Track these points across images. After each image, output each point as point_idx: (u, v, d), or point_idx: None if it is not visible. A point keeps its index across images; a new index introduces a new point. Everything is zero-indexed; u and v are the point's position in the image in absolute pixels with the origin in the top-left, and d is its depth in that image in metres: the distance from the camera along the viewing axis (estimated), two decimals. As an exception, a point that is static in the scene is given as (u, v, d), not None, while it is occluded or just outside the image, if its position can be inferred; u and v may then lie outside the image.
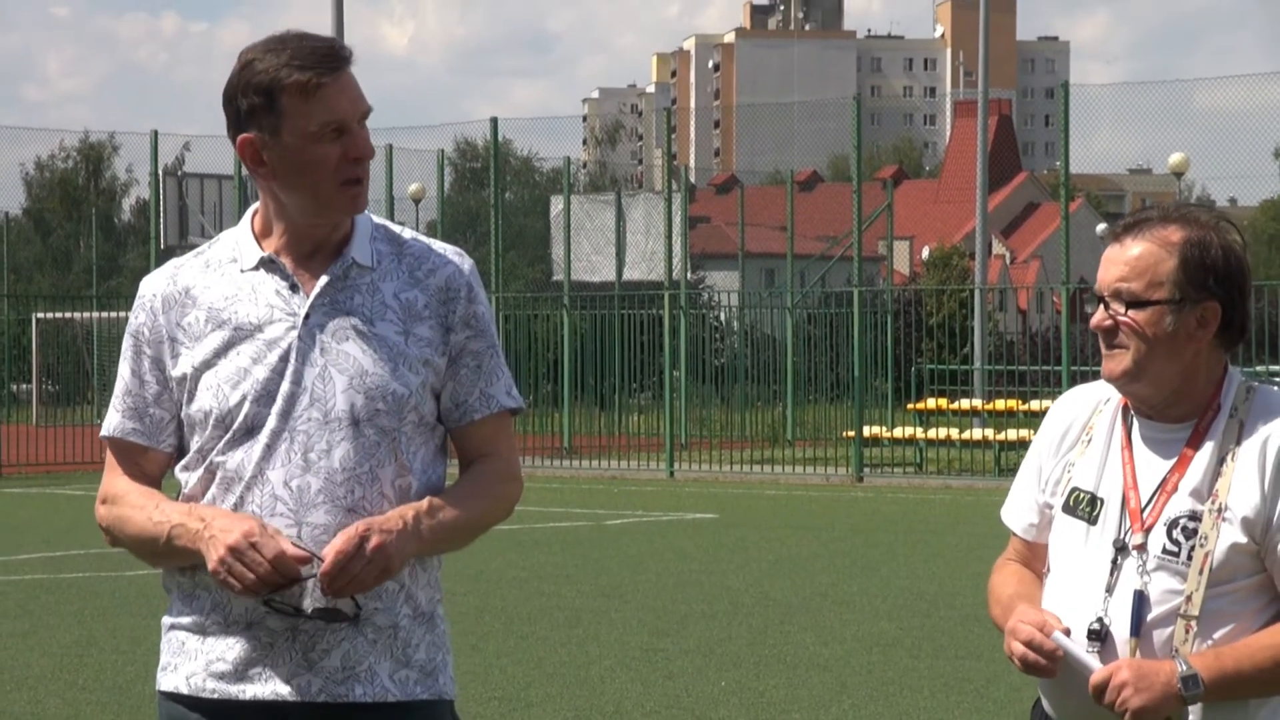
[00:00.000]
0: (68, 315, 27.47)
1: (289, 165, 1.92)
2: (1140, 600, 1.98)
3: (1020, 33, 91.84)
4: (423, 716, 2.06)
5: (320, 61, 1.97)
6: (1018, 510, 2.17)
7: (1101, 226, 30.34)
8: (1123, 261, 2.00)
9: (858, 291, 20.25)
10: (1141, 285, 1.97)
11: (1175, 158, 25.01)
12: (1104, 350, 2.07)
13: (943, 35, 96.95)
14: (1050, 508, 2.10)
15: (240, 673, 2.02)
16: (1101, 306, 2.04)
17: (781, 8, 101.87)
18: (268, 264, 2.01)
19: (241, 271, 2.03)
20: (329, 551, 1.86)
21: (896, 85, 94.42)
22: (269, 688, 2.00)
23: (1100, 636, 1.96)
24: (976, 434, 20.56)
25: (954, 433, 20.82)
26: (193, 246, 2.80)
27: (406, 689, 2.02)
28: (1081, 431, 2.10)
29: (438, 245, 2.22)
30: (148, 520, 2.00)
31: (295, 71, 1.88)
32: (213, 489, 2.00)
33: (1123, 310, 1.99)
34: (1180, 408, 2.02)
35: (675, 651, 8.02)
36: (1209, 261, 2.00)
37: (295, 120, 1.88)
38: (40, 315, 27.13)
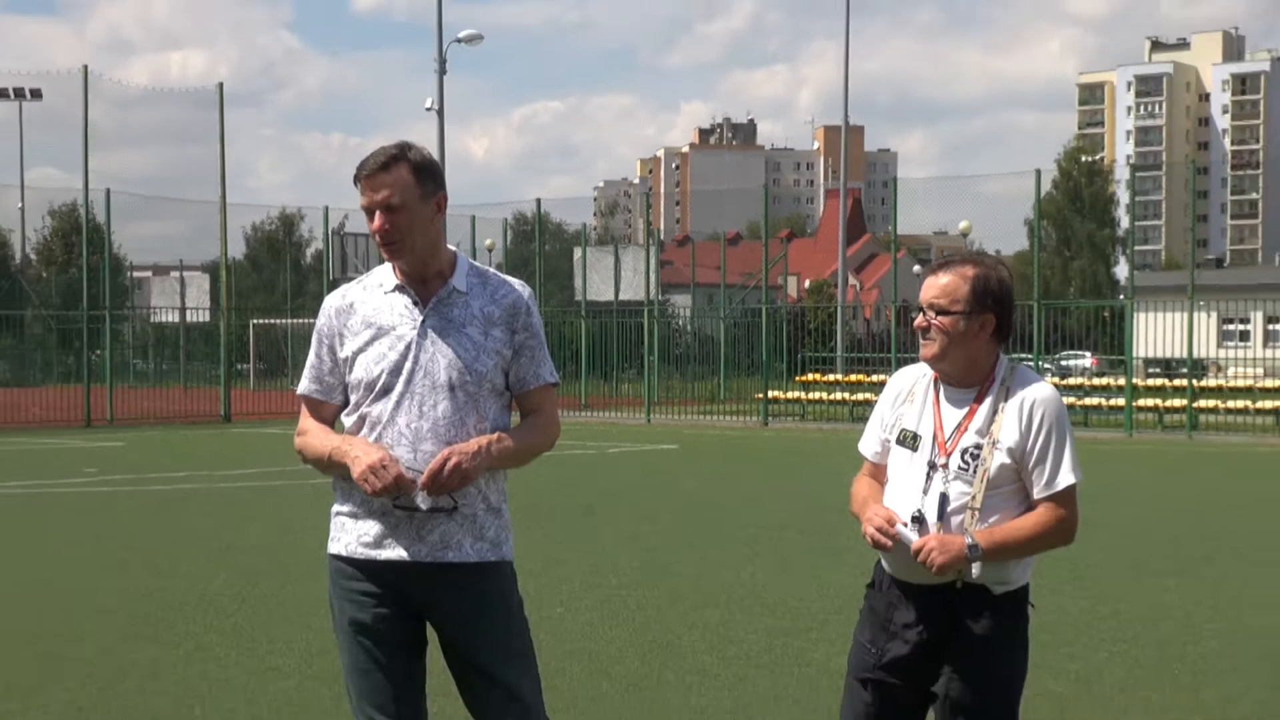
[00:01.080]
0: (272, 321, 41.54)
1: None
2: (943, 499, 2.72)
3: (867, 146, 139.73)
4: (492, 572, 2.78)
5: (362, 167, 2.69)
6: (868, 443, 2.97)
7: (916, 267, 44.73)
8: (936, 286, 2.74)
9: (765, 308, 30.48)
10: (946, 301, 2.70)
11: (963, 225, 34.04)
12: (922, 342, 2.80)
13: (818, 148, 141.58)
14: (888, 441, 2.87)
15: (377, 543, 2.72)
16: (921, 314, 2.76)
17: (717, 131, 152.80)
18: (400, 288, 2.75)
19: (385, 293, 2.78)
20: (428, 469, 2.57)
21: (789, 179, 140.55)
22: (395, 553, 2.71)
23: (919, 521, 2.70)
24: (838, 396, 29.26)
25: (824, 395, 29.64)
26: (350, 278, 3.68)
27: (481, 554, 2.74)
28: (908, 394, 2.88)
29: (509, 278, 2.92)
30: (321, 446, 2.74)
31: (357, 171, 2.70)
32: (363, 429, 2.72)
33: (934, 316, 2.71)
34: (969, 379, 2.77)
35: (651, 530, 11.23)
36: (989, 288, 2.72)
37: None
38: (255, 321, 40.78)
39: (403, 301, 2.77)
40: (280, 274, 49.34)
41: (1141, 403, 25.00)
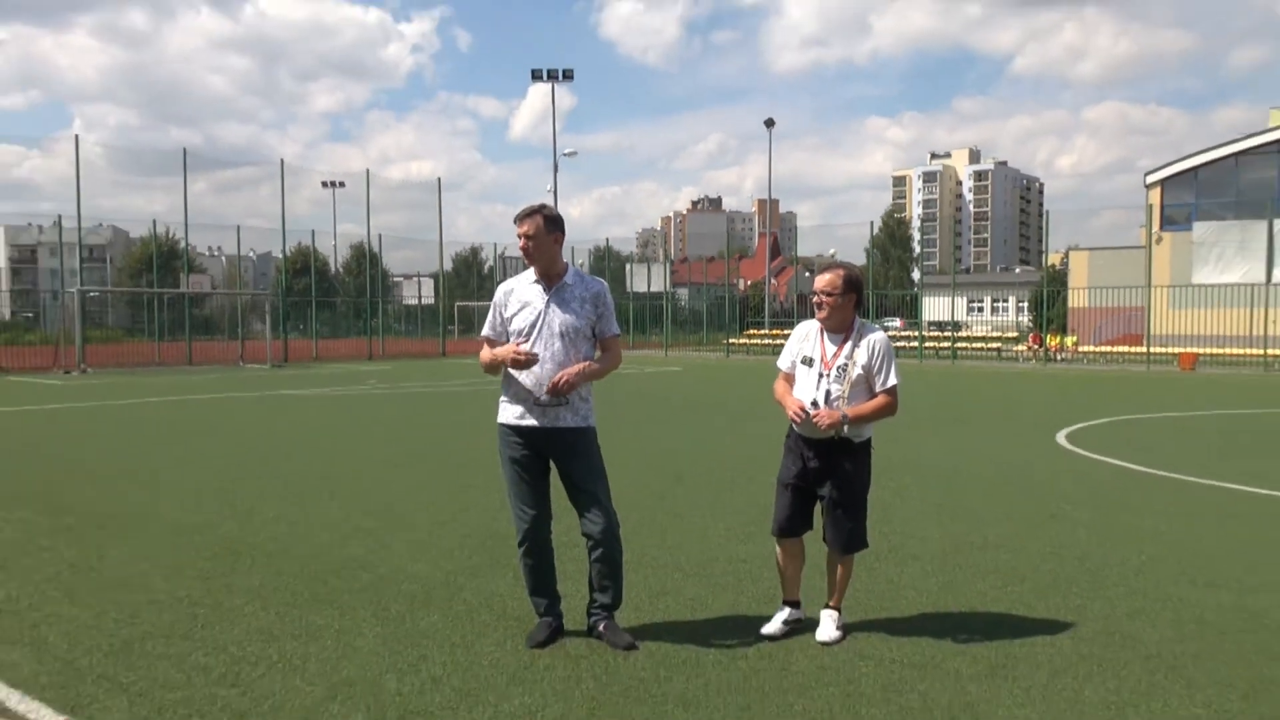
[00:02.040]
0: (467, 303, 61.17)
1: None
2: (828, 393, 5.14)
3: (781, 209, 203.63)
4: (584, 433, 5.18)
5: (519, 215, 5.12)
6: (784, 361, 5.34)
7: (807, 273, 72.90)
8: (824, 280, 5.15)
9: (727, 295, 60.19)
10: (831, 288, 5.12)
11: (832, 251, 67.90)
12: (818, 312, 5.19)
13: (754, 210, 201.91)
14: (795, 362, 5.28)
15: (521, 417, 5.14)
16: (817, 296, 5.16)
17: (701, 202, 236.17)
18: (537, 281, 5.16)
19: (529, 283, 5.18)
20: (550, 380, 4.99)
21: (739, 227, 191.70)
22: (531, 422, 5.12)
23: (815, 405, 5.13)
24: (765, 341, 48.96)
25: (758, 341, 49.83)
26: (508, 278, 5.67)
27: (577, 423, 5.14)
28: (805, 335, 5.29)
29: (595, 277, 5.36)
30: (490, 358, 5.20)
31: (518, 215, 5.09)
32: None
33: (825, 297, 5.13)
34: (841, 329, 5.17)
35: (663, 416, 18.32)
36: (852, 280, 5.16)
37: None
38: (458, 303, 60.40)
39: (538, 289, 5.14)
40: (471, 278, 73.41)
41: (927, 346, 43.39)
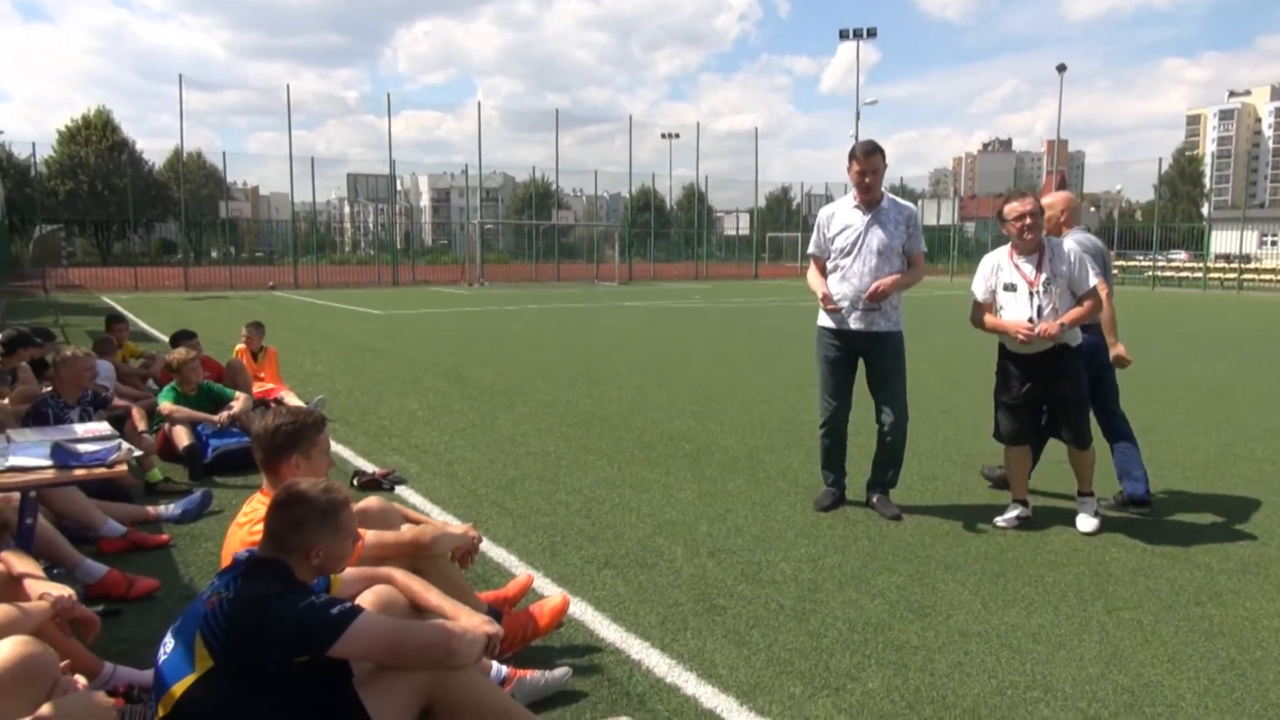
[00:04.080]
0: (779, 234, 57.27)
1: None
2: (1039, 308, 4.71)
3: (1070, 149, 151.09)
4: (894, 336, 5.11)
5: (863, 149, 4.95)
6: (980, 292, 4.89)
7: (1095, 208, 66.04)
8: (1019, 206, 4.74)
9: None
10: (1029, 213, 4.70)
11: (1119, 187, 63.41)
12: (1016, 237, 4.76)
13: (1044, 149, 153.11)
14: (993, 290, 4.85)
15: (840, 322, 5.11)
16: (1014, 223, 4.72)
17: (995, 143, 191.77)
18: (858, 206, 5.04)
19: (851, 208, 5.07)
20: (869, 289, 4.93)
21: (1028, 165, 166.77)
22: (848, 326, 5.09)
23: (1032, 320, 4.67)
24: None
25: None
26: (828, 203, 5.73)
27: (888, 327, 5.10)
28: (995, 266, 4.86)
29: (907, 202, 5.14)
30: (816, 282, 5.20)
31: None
32: (837, 271, 5.09)
33: (1022, 222, 4.67)
34: (1034, 251, 4.74)
35: (942, 330, 17.32)
36: (1039, 208, 4.75)
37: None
38: (770, 234, 56.52)
39: (858, 213, 5.06)
40: (781, 213, 64.98)
41: (1211, 276, 38.13)
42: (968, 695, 3.16)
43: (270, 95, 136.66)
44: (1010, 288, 4.80)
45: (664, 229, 57.93)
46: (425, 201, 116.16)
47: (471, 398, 9.05)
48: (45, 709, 1.56)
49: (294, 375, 9.88)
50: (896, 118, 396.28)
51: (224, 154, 54.29)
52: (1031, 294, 4.73)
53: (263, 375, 8.41)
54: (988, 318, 4.90)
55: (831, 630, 3.66)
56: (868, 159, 4.92)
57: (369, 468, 6.10)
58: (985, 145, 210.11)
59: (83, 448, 3.56)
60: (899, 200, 5.10)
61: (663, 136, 54.27)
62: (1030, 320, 4.69)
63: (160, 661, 2.34)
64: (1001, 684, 3.24)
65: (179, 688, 2.26)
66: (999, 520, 5.04)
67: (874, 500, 5.28)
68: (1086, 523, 4.90)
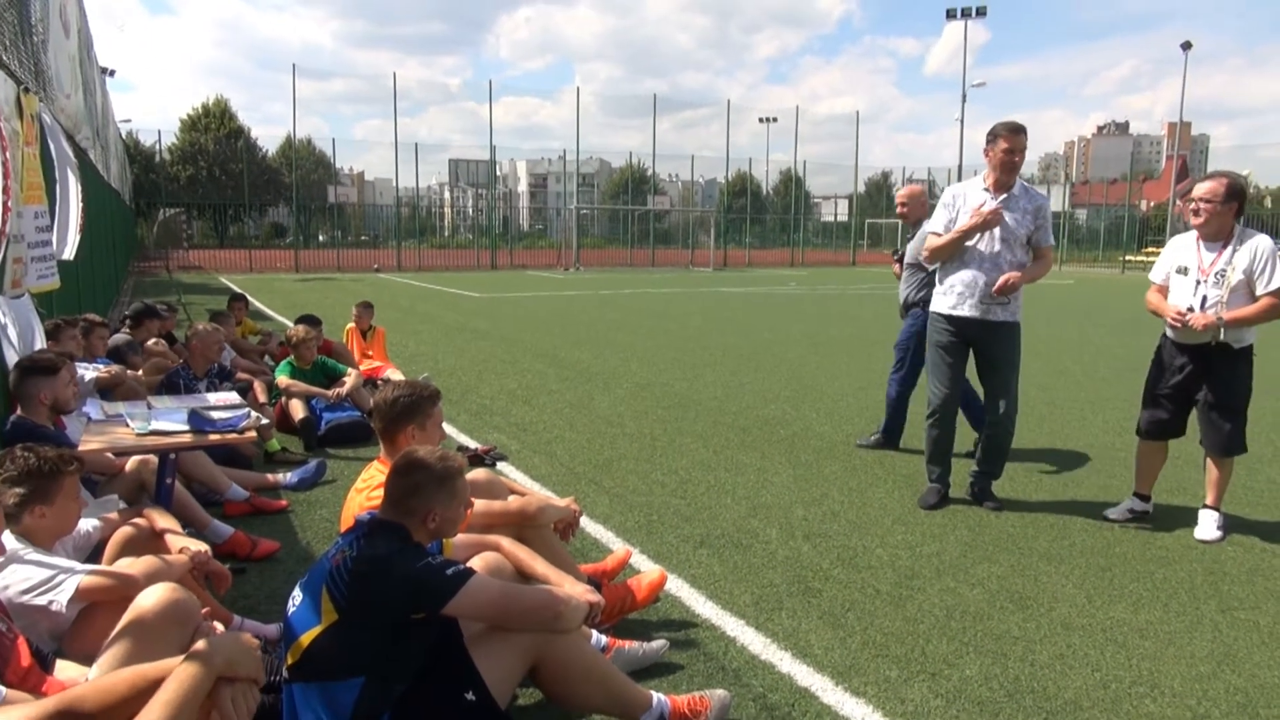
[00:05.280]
0: (878, 220, 55.38)
1: None
2: (1204, 298, 4.46)
3: (1194, 131, 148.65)
4: (1012, 327, 4.89)
5: (1008, 127, 4.75)
6: (1157, 274, 4.72)
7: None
8: (1207, 187, 4.40)
9: (1127, 214, 47.03)
10: (1212, 195, 4.38)
11: (1248, 172, 47.26)
12: (1194, 219, 4.50)
13: (1165, 132, 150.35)
14: (1169, 274, 4.62)
15: (957, 306, 4.88)
16: (1197, 203, 4.45)
17: (1111, 125, 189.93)
18: (987, 190, 4.81)
19: (982, 190, 4.85)
20: (998, 282, 4.70)
21: (1146, 149, 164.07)
22: (965, 313, 4.86)
23: (1192, 309, 4.46)
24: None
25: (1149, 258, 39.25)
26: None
27: (1007, 318, 4.86)
28: (1181, 247, 4.60)
29: (1038, 190, 4.95)
30: (945, 243, 4.86)
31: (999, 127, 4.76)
32: (968, 254, 4.83)
33: (1205, 204, 4.39)
34: (1219, 237, 4.44)
35: (1049, 318, 17.17)
36: (1236, 189, 4.36)
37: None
38: (869, 220, 55.93)
39: (987, 196, 4.84)
40: (881, 199, 63.31)
41: None
42: (1069, 687, 3.11)
43: (375, 83, 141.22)
44: (1183, 271, 4.58)
45: (760, 215, 57.41)
46: (523, 187, 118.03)
47: (568, 379, 9.23)
48: (200, 644, 1.72)
49: (399, 354, 10.23)
50: (1005, 100, 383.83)
51: (333, 140, 56.13)
52: (1199, 282, 4.48)
53: (371, 353, 8.75)
54: (1152, 297, 4.71)
55: (928, 617, 3.64)
56: (1016, 137, 4.73)
57: (471, 444, 6.30)
58: (1100, 128, 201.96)
59: (216, 415, 3.82)
60: (1031, 188, 4.89)
61: (760, 121, 53.72)
62: (1189, 309, 4.47)
63: (289, 613, 2.51)
64: (1105, 677, 3.19)
65: (306, 638, 2.42)
66: (1110, 513, 4.91)
67: (976, 490, 5.18)
68: (1207, 531, 4.64)
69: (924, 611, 3.69)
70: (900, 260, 6.58)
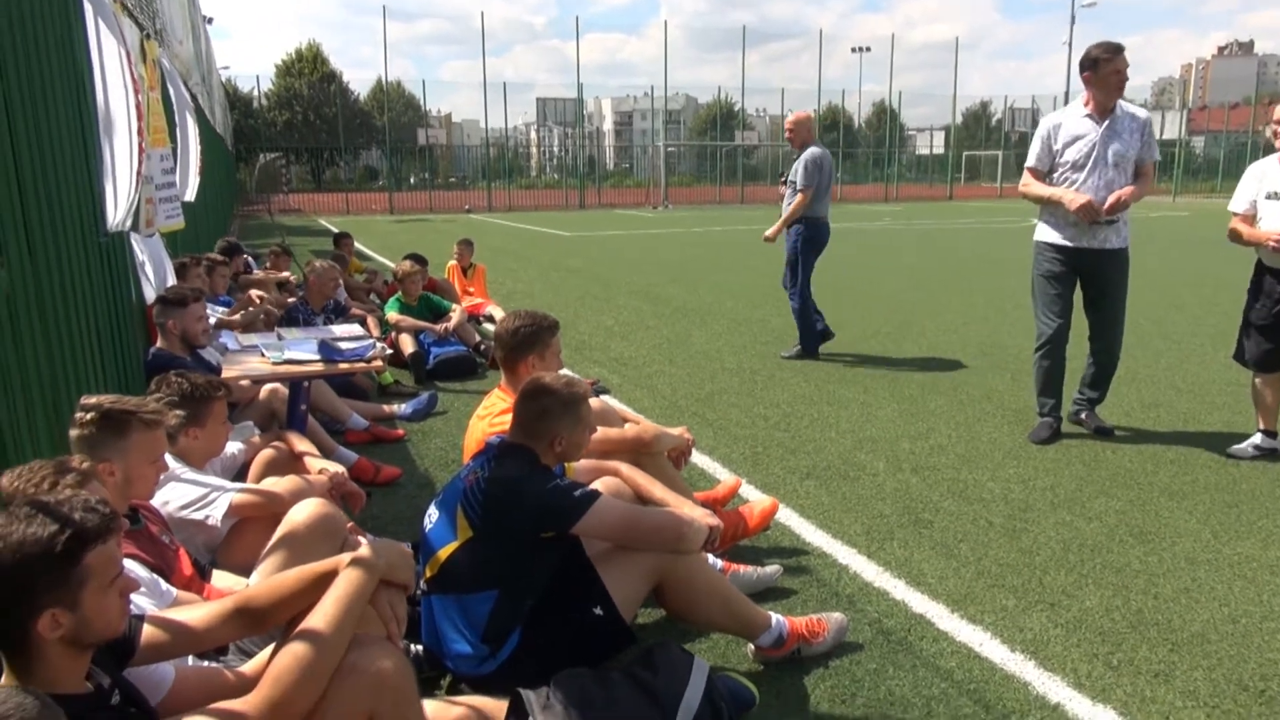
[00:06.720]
0: (977, 153, 53.98)
1: None
2: None
3: None
4: (1122, 253, 4.79)
5: (1113, 48, 4.56)
6: (1238, 204, 4.50)
7: None
8: None
9: (1249, 141, 39.73)
10: None
11: None
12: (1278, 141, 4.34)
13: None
14: (1252, 204, 4.43)
15: (1070, 239, 4.76)
16: (1277, 126, 4.32)
17: (1234, 46, 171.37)
18: (1089, 116, 4.66)
19: (1081, 117, 4.70)
20: (1108, 202, 4.56)
21: (1274, 70, 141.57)
22: (1079, 244, 4.74)
23: None
24: None
25: None
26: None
27: (1117, 245, 4.77)
28: (1261, 174, 4.43)
29: (1140, 111, 4.71)
30: (1041, 192, 4.79)
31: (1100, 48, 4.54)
32: (1066, 184, 4.72)
33: None
34: None
35: (1162, 251, 16.53)
36: None
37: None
38: (967, 153, 53.05)
39: (1090, 122, 4.72)
40: (979, 130, 62.34)
41: None
42: (1195, 620, 3.06)
43: (461, 23, 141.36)
44: (1274, 196, 4.40)
45: (851, 149, 55.89)
46: (608, 125, 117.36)
47: (664, 315, 9.27)
48: (365, 548, 1.83)
49: (497, 291, 10.42)
50: (1117, 21, 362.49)
51: (423, 83, 56.56)
52: None
53: (472, 290, 8.94)
54: (1243, 227, 4.50)
55: (1044, 549, 3.61)
56: (1120, 57, 4.58)
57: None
58: (1221, 49, 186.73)
59: (344, 345, 4.00)
60: (1130, 107, 4.74)
61: (853, 51, 52.12)
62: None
63: (427, 530, 2.64)
64: (1234, 612, 3.12)
65: (444, 553, 2.55)
66: (1234, 449, 4.74)
67: (1082, 415, 5.11)
68: None
69: (1039, 544, 3.65)
70: (785, 182, 7.37)
